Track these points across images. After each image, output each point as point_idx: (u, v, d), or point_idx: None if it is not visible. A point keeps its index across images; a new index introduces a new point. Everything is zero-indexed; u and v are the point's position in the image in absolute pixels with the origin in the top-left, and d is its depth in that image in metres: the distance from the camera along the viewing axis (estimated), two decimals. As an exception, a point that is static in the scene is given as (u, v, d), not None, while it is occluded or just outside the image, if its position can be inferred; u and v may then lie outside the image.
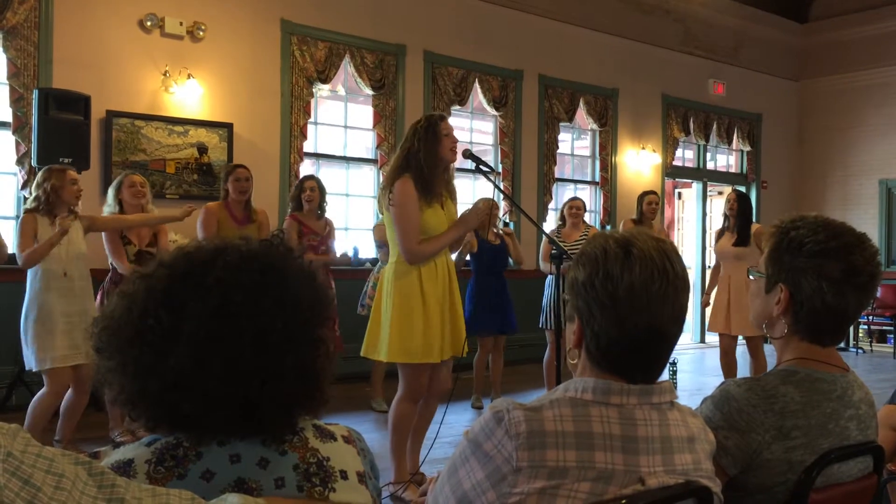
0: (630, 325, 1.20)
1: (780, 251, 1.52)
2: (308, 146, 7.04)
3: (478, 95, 8.08)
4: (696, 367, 8.56)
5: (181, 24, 6.24)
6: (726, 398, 1.46)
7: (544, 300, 5.83)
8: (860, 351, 9.98)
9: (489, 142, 8.48)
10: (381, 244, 5.62)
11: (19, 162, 5.55)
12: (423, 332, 3.50)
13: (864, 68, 10.59)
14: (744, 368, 6.44)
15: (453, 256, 3.92)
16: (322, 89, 7.18)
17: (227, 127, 6.49)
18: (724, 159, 11.18)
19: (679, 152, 10.16)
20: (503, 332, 5.92)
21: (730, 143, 10.61)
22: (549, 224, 8.26)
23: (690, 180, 10.68)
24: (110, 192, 4.76)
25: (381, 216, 4.12)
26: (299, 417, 1.08)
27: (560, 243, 5.31)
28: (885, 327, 10.07)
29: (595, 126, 9.09)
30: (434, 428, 3.91)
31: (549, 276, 5.80)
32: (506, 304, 5.88)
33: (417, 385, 3.62)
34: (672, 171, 10.04)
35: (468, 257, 5.84)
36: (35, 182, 4.27)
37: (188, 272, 1.02)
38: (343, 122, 7.56)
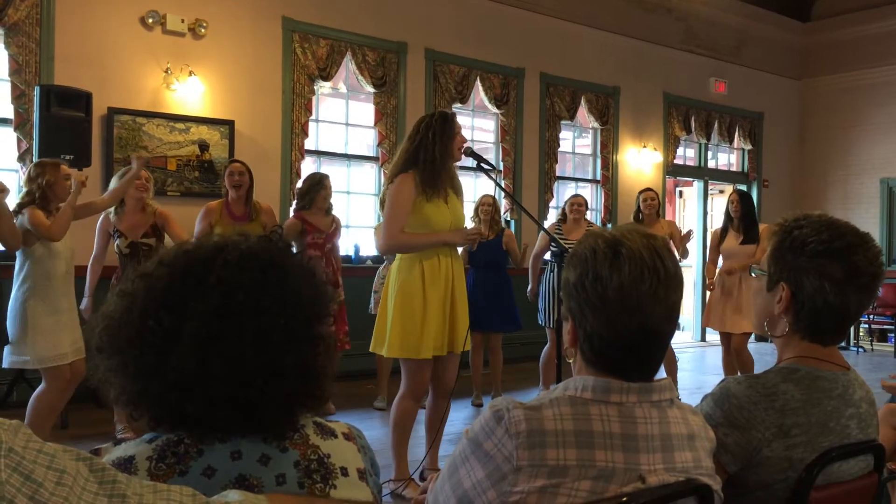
0: (622, 326, 1.19)
1: (782, 250, 1.52)
2: (309, 143, 7.04)
3: (479, 93, 8.07)
4: (696, 365, 8.55)
5: (183, 21, 6.24)
6: (726, 395, 1.46)
7: (540, 299, 5.82)
8: (861, 350, 9.97)
9: (490, 140, 8.47)
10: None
11: (21, 159, 5.55)
12: (420, 329, 3.50)
13: (866, 67, 10.58)
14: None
15: (459, 251, 3.90)
16: (323, 87, 7.17)
17: (229, 124, 6.49)
18: (726, 158, 11.17)
19: (680, 151, 10.15)
20: (504, 330, 5.92)
21: (731, 141, 10.60)
22: (550, 223, 8.25)
23: (691, 179, 10.66)
24: (113, 182, 4.71)
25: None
26: (300, 415, 1.08)
27: (561, 240, 5.33)
28: (885, 326, 10.06)
29: (596, 124, 9.08)
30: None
31: (545, 274, 5.79)
32: (507, 301, 5.85)
33: (418, 382, 3.62)
34: (673, 170, 10.03)
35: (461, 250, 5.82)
36: (27, 176, 4.14)
37: (188, 271, 1.02)
38: (344, 119, 7.55)
